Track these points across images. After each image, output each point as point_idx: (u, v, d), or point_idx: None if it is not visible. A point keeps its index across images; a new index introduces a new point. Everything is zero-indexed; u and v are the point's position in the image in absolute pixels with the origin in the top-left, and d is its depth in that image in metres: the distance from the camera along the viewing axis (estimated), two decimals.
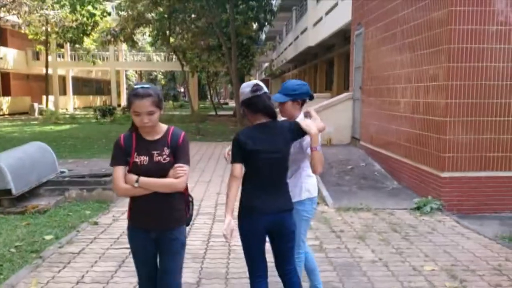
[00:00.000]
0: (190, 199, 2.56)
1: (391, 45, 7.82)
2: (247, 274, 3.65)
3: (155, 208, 2.36)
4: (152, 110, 2.27)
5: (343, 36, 14.77)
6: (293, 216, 2.75)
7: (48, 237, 4.62)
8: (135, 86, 2.31)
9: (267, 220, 2.63)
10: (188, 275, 3.72)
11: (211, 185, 7.61)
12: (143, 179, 2.31)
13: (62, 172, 6.89)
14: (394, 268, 3.89)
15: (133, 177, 2.32)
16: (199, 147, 12.78)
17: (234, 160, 2.58)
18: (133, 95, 2.27)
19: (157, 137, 2.39)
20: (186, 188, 2.47)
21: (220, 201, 6.39)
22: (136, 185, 2.30)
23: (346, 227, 5.11)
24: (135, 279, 2.97)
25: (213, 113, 29.71)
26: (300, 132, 2.70)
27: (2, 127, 19.72)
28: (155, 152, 2.35)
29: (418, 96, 6.65)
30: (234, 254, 4.26)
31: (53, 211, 5.61)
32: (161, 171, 2.33)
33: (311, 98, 3.04)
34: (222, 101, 56.46)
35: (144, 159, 2.34)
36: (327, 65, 21.08)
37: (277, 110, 2.84)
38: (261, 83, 2.70)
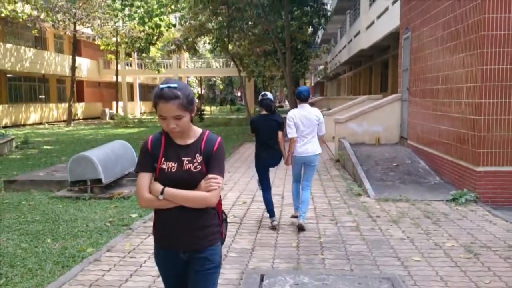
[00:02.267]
0: (224, 216, 2.24)
1: (434, 49, 8.30)
2: (292, 244, 4.54)
3: (183, 225, 2.04)
4: (179, 115, 1.95)
5: (397, 38, 15.11)
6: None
7: (133, 215, 5.74)
8: (161, 86, 1.97)
9: (266, 162, 5.37)
10: (244, 244, 4.63)
11: None
12: (169, 190, 1.98)
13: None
14: (419, 243, 4.55)
15: (159, 187, 2.00)
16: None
17: (251, 131, 5.41)
18: (158, 96, 1.95)
19: (190, 141, 2.08)
20: (220, 204, 2.18)
21: (273, 191, 7.26)
22: (160, 197, 1.98)
23: (382, 214, 5.79)
24: None
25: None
26: (280, 124, 5.24)
27: (79, 130, 22.01)
28: (185, 159, 2.03)
29: (457, 96, 7.12)
30: (282, 230, 5.12)
31: (134, 197, 6.77)
32: (191, 181, 2.01)
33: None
34: (277, 104, 57.45)
35: (173, 165, 2.03)
36: (382, 66, 21.29)
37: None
38: (268, 93, 5.45)
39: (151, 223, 5.49)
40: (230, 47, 24.47)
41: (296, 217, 5.34)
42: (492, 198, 6.27)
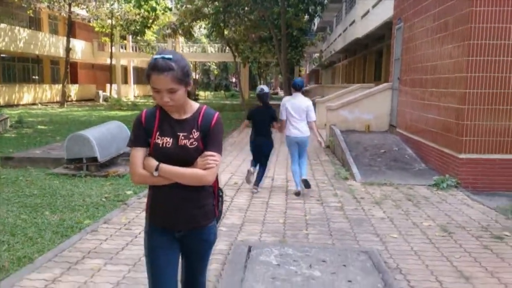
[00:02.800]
0: (220, 193, 2.19)
1: (424, 40, 8.52)
2: (279, 221, 4.80)
3: (179, 204, 1.98)
4: (173, 88, 1.85)
5: (391, 28, 15.29)
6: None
7: (128, 192, 5.97)
8: (154, 56, 1.87)
9: (258, 147, 6.26)
10: (234, 219, 4.89)
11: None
12: (164, 166, 1.90)
13: None
14: (398, 222, 4.84)
15: (153, 162, 1.91)
16: (249, 132, 13.94)
17: (248, 118, 6.33)
18: (151, 67, 1.85)
19: (186, 116, 1.99)
20: (216, 181, 2.12)
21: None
22: (155, 173, 1.90)
23: (366, 196, 6.07)
24: None
25: None
26: (273, 117, 6.13)
27: (73, 111, 22.06)
28: (181, 134, 1.95)
29: (443, 86, 7.37)
30: (270, 209, 5.38)
31: (129, 176, 6.98)
32: (187, 158, 1.93)
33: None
34: (272, 91, 57.55)
35: (168, 140, 1.94)
36: (376, 55, 21.48)
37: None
38: (264, 87, 6.38)
39: (145, 200, 5.69)
40: (225, 32, 24.50)
41: (298, 193, 6.06)
42: (472, 183, 6.57)
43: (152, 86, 1.87)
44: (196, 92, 34.69)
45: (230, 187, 6.53)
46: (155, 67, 1.83)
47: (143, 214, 4.95)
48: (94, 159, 7.04)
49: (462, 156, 6.63)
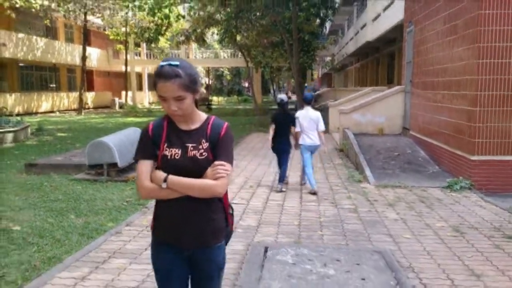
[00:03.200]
0: (231, 211, 2.09)
1: (435, 42, 8.60)
2: (294, 223, 4.95)
3: (187, 218, 1.88)
4: (180, 96, 1.79)
5: (402, 31, 15.35)
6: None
7: None
8: (161, 63, 1.81)
9: (279, 146, 7.01)
10: (250, 222, 5.06)
11: (271, 166, 8.90)
12: (173, 177, 1.81)
13: None
14: (411, 224, 4.95)
15: (161, 174, 1.83)
16: (262, 136, 14.16)
17: (272, 122, 6.96)
18: (157, 74, 1.80)
19: (194, 127, 1.92)
20: (226, 196, 2.02)
21: (278, 177, 7.68)
22: (163, 185, 1.81)
23: (380, 198, 6.18)
24: None
25: (275, 106, 31.10)
26: (293, 121, 6.84)
27: (90, 119, 22.54)
28: (190, 145, 1.87)
29: (455, 88, 7.44)
30: (285, 211, 5.53)
31: None
32: (196, 169, 1.85)
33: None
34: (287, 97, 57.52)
35: (176, 152, 1.86)
36: (388, 58, 21.50)
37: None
38: (284, 97, 7.26)
39: None
40: (238, 38, 24.75)
41: (314, 193, 6.57)
42: (485, 185, 6.63)
43: (158, 94, 1.81)
44: (210, 98, 35.04)
45: (245, 190, 6.70)
46: (161, 74, 1.78)
47: None
48: (114, 165, 7.28)
49: (475, 158, 6.69)
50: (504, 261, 3.87)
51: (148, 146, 1.90)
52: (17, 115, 21.15)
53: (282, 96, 7.52)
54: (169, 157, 1.86)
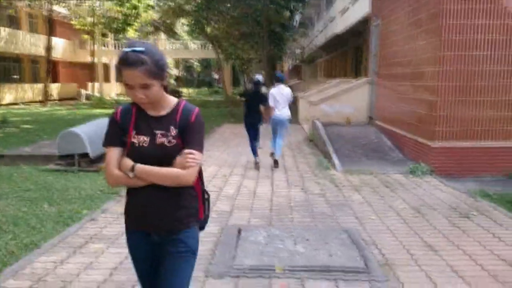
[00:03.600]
0: (206, 196, 2.06)
1: (399, 36, 8.97)
2: (266, 207, 5.15)
3: (155, 204, 1.85)
4: (147, 83, 1.71)
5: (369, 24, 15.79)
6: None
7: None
8: (125, 49, 1.72)
9: (250, 121, 7.97)
10: (223, 207, 5.23)
11: (243, 155, 9.08)
12: (140, 166, 1.77)
13: None
14: (375, 206, 5.26)
15: (129, 163, 1.79)
16: (233, 128, 14.33)
17: (242, 96, 9.03)
18: (121, 61, 1.71)
19: (163, 112, 1.85)
20: (198, 182, 1.96)
21: (249, 166, 7.88)
22: (131, 174, 1.78)
23: (347, 183, 6.48)
24: None
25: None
26: (264, 99, 7.71)
27: (57, 111, 22.01)
28: (158, 132, 1.81)
29: (418, 79, 7.82)
30: (257, 197, 5.74)
31: None
32: (165, 157, 1.79)
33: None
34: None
35: (144, 139, 1.81)
36: (356, 51, 22.00)
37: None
38: (260, 77, 8.38)
39: None
40: (208, 29, 24.69)
41: (272, 153, 7.93)
42: (446, 170, 7.04)
43: (124, 82, 1.73)
44: (179, 89, 34.78)
45: (219, 179, 6.86)
46: (126, 61, 1.68)
47: None
48: (86, 155, 7.27)
49: (435, 144, 7.09)
50: (459, 237, 4.21)
51: (116, 133, 1.84)
52: None
53: (259, 76, 8.59)
54: (136, 144, 1.81)
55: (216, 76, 60.56)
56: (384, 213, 4.98)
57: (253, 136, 7.92)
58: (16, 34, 27.53)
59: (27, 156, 7.79)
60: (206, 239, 4.09)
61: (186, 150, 1.78)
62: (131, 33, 31.02)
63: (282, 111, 7.70)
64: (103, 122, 8.30)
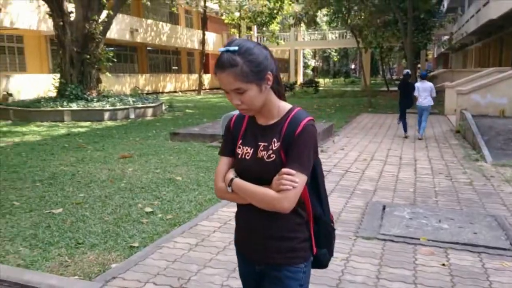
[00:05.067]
0: (329, 228, 1.71)
1: None
2: (409, 190, 5.45)
3: (253, 229, 1.62)
4: (239, 88, 1.47)
5: None
6: None
7: None
8: (220, 49, 1.50)
9: (404, 105, 10.60)
10: (367, 187, 5.69)
11: (382, 144, 9.31)
12: (237, 182, 1.56)
13: None
14: None
15: (229, 176, 1.60)
16: (371, 117, 14.46)
17: (398, 88, 10.91)
18: (215, 63, 1.50)
19: (272, 121, 1.59)
20: (310, 207, 1.63)
21: (391, 153, 8.12)
22: (229, 189, 1.58)
23: (497, 175, 6.32)
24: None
25: (384, 88, 30.50)
26: (413, 88, 10.19)
27: (210, 99, 24.67)
28: (261, 144, 1.57)
29: None
30: (399, 181, 6.04)
31: None
32: (263, 174, 1.53)
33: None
34: (395, 77, 55.51)
35: (247, 151, 1.60)
36: None
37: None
38: (408, 71, 11.40)
39: None
40: (349, 19, 24.73)
41: (420, 139, 9.84)
42: None
43: (220, 86, 1.55)
44: (316, 79, 35.47)
45: (360, 162, 7.30)
46: (217, 63, 1.48)
47: None
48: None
49: None
50: None
51: (228, 141, 1.68)
52: (147, 94, 24.03)
53: (407, 70, 11.58)
54: (240, 156, 1.61)
55: (353, 66, 59.71)
56: None
57: (403, 115, 10.32)
58: (175, 29, 31.40)
59: (196, 134, 9.26)
60: (353, 209, 4.64)
61: (284, 169, 1.47)
62: (273, 25, 32.68)
63: (424, 100, 9.77)
64: None
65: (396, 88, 11.88)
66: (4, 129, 11.12)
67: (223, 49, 1.48)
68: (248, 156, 1.57)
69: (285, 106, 1.60)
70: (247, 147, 1.59)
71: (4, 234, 3.95)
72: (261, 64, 1.48)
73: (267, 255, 1.59)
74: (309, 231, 1.62)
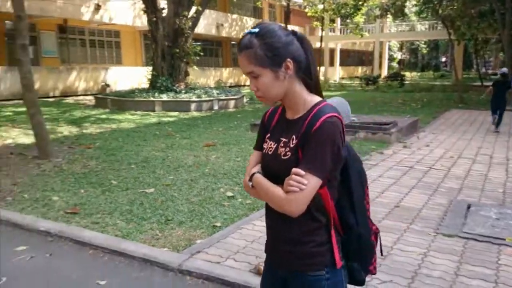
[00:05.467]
0: (371, 232, 1.55)
1: None
2: (499, 190, 5.13)
3: (274, 230, 1.53)
4: (252, 71, 1.39)
5: None
6: None
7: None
8: (245, 32, 1.42)
9: (495, 105, 10.53)
10: (452, 185, 5.45)
11: (472, 142, 8.77)
12: (257, 177, 1.46)
13: (353, 120, 9.41)
14: None
15: (252, 170, 1.50)
16: (462, 114, 13.63)
17: (492, 86, 10.72)
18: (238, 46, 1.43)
19: (298, 115, 1.45)
20: (335, 211, 1.47)
21: (481, 152, 7.65)
22: (250, 184, 1.49)
23: None
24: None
25: (478, 83, 28.31)
26: (509, 85, 10.48)
27: None
28: (283, 139, 1.46)
29: None
30: (488, 180, 5.71)
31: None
32: (279, 172, 1.41)
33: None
34: (490, 71, 51.16)
35: (271, 146, 1.49)
36: None
37: None
38: (505, 69, 11.00)
39: (387, 157, 7.14)
40: (440, 9, 23.31)
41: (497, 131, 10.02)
42: None
43: None
44: (402, 73, 33.95)
45: (446, 160, 6.98)
46: (238, 45, 1.42)
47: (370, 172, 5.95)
48: None
49: None
50: None
51: (260, 135, 1.58)
52: (230, 86, 24.84)
53: (504, 69, 11.20)
54: (264, 150, 1.52)
55: (443, 59, 56.10)
56: None
57: (495, 112, 10.21)
58: None
59: None
60: (435, 207, 4.52)
61: (294, 169, 1.34)
62: (358, 17, 31.83)
63: None
64: (335, 101, 9.33)
65: (490, 83, 11.04)
66: (103, 116, 12.27)
67: (247, 31, 1.41)
68: (270, 151, 1.48)
69: (313, 99, 1.44)
70: (272, 142, 1.49)
71: (104, 209, 4.47)
72: (278, 49, 1.36)
73: (287, 260, 1.48)
74: (328, 233, 1.44)
